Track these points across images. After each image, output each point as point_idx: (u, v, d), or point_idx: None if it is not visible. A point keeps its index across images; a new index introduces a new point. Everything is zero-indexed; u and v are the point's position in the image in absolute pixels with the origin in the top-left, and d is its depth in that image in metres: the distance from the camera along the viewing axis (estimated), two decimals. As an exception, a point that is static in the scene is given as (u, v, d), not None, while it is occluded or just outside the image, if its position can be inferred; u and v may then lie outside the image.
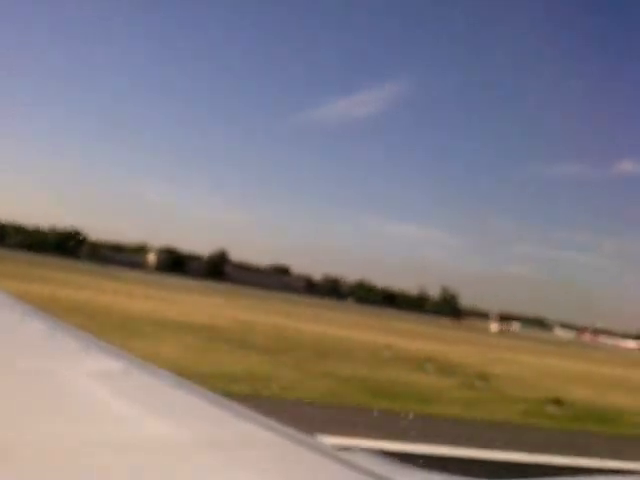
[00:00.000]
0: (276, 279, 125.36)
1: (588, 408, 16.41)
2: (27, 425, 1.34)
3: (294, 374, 15.57)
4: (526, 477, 10.85)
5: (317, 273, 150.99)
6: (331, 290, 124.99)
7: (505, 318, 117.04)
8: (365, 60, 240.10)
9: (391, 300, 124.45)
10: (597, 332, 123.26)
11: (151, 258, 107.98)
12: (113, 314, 21.38)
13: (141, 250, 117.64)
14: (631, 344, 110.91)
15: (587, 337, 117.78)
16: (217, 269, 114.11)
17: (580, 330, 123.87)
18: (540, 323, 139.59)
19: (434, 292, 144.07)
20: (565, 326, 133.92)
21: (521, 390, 18.79)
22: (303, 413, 11.34)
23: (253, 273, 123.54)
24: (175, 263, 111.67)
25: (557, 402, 16.51)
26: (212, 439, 1.44)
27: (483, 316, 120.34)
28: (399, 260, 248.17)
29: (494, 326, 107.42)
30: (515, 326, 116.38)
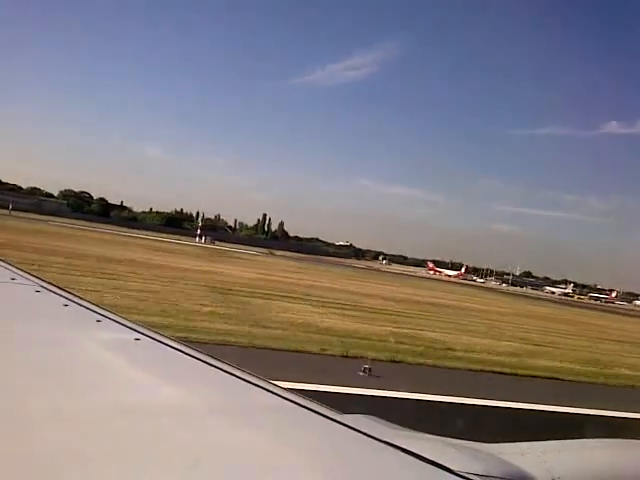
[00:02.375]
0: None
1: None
2: (43, 393, 1.43)
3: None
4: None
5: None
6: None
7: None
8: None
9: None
10: (439, 266, 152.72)
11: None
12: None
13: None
14: (451, 273, 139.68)
15: (429, 269, 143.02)
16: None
17: (427, 264, 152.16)
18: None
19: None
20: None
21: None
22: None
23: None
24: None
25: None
26: (222, 405, 1.51)
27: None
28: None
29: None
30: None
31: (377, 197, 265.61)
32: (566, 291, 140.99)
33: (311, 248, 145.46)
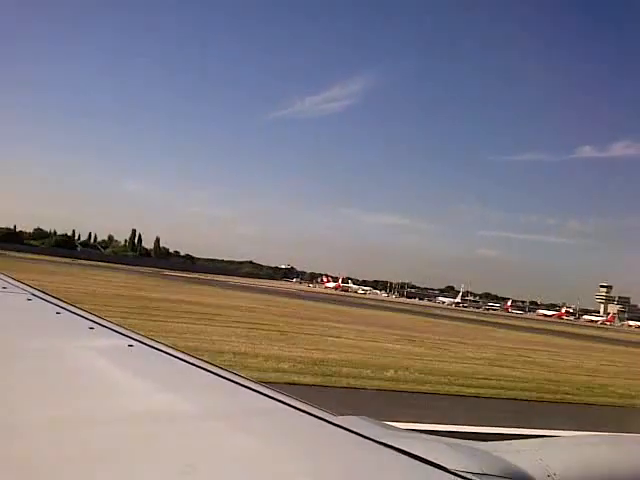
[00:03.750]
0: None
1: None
2: (37, 401, 1.41)
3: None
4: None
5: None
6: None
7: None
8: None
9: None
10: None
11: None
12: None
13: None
14: (331, 285, 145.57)
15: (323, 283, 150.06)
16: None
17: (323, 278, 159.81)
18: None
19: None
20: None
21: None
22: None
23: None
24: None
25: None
26: (216, 409, 1.51)
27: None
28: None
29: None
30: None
31: (357, 225, 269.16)
32: (455, 301, 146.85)
33: (195, 267, 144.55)
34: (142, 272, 75.79)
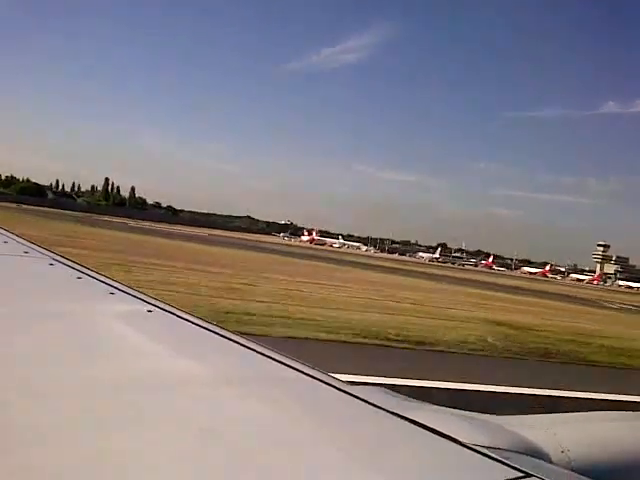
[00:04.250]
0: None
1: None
2: (58, 365, 1.44)
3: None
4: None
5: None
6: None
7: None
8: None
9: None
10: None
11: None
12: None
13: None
14: (305, 238, 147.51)
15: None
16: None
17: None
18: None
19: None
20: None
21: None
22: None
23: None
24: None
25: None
26: (233, 376, 1.53)
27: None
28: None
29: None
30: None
31: (372, 182, 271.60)
32: (434, 256, 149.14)
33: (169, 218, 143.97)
34: (75, 217, 73.51)
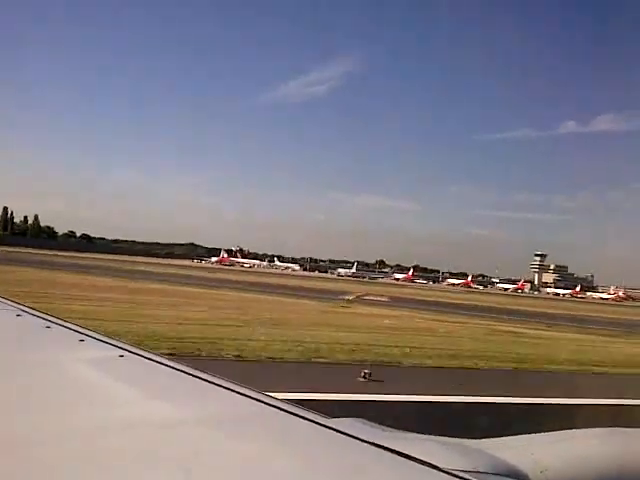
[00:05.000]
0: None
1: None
2: (30, 415, 1.42)
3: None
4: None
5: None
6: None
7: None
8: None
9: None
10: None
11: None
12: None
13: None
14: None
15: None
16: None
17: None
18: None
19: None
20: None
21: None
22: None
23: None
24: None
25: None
26: (209, 416, 1.51)
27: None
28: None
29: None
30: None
31: (346, 207, 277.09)
32: (351, 272, 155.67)
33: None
34: None
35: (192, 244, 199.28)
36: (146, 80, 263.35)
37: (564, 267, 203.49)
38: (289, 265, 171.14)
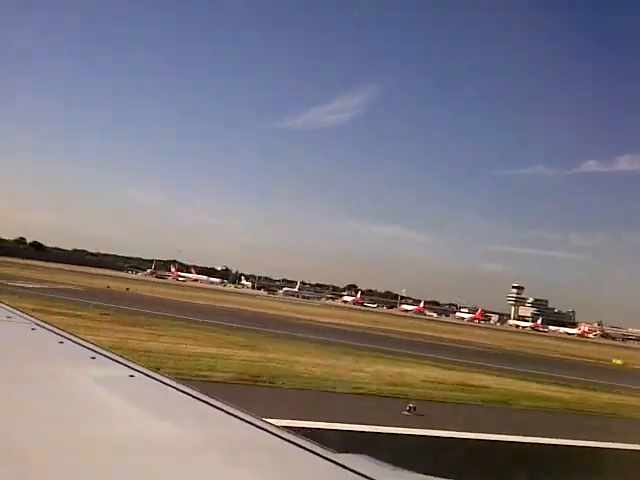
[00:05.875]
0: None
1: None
2: (39, 430, 1.44)
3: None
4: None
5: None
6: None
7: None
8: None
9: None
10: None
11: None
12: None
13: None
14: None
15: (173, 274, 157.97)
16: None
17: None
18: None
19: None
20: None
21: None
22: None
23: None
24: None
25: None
26: (215, 442, 1.53)
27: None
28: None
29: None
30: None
31: (358, 235, 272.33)
32: (294, 290, 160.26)
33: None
34: None
35: (174, 261, 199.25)
36: (162, 99, 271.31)
37: (544, 301, 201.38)
38: (244, 283, 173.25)
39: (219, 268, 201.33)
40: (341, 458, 1.45)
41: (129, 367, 2.12)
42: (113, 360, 2.21)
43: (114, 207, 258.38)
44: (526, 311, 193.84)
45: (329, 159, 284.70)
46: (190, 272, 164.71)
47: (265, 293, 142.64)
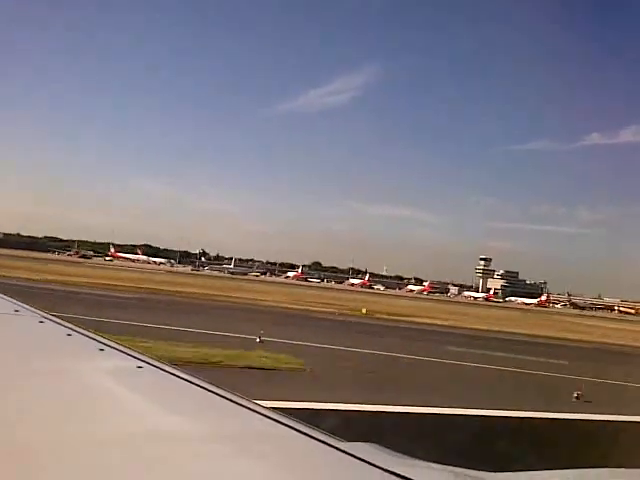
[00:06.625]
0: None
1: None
2: (48, 422, 1.47)
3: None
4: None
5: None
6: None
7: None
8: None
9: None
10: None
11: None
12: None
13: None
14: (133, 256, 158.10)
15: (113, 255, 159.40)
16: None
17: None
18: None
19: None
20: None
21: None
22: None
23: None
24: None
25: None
26: (224, 433, 1.55)
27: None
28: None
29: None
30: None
31: (363, 218, 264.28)
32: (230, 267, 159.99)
33: None
34: None
35: (147, 245, 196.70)
36: (161, 88, 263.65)
37: (514, 273, 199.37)
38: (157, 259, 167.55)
39: (196, 252, 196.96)
40: (349, 447, 1.45)
41: (137, 359, 2.12)
42: (121, 352, 2.22)
43: (119, 196, 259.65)
44: (495, 283, 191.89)
45: (331, 141, 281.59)
46: (137, 253, 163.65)
47: (189, 269, 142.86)
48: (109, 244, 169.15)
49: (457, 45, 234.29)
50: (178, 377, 1.96)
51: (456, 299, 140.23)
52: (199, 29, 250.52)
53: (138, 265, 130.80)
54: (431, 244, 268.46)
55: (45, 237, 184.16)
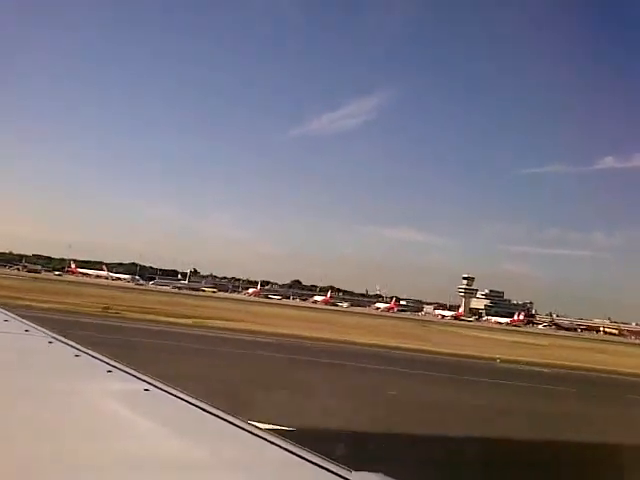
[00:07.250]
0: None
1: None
2: (56, 442, 1.47)
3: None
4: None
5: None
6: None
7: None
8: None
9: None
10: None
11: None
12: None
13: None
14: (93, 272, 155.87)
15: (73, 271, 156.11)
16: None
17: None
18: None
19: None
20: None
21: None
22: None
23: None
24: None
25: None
26: (229, 458, 1.55)
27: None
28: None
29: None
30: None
31: (376, 240, 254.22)
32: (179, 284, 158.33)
33: None
34: None
35: (133, 264, 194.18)
36: (173, 107, 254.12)
37: (499, 292, 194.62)
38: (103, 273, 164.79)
39: (187, 271, 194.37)
40: (357, 476, 1.45)
41: (144, 381, 2.12)
42: (129, 374, 2.22)
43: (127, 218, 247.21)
44: (480, 303, 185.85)
45: (344, 163, 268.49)
46: (102, 269, 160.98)
47: (133, 284, 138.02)
48: (100, 262, 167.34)
49: (471, 68, 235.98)
50: (184, 401, 1.96)
51: (424, 317, 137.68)
52: (212, 51, 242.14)
53: (86, 280, 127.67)
54: (440, 267, 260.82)
55: (34, 255, 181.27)
